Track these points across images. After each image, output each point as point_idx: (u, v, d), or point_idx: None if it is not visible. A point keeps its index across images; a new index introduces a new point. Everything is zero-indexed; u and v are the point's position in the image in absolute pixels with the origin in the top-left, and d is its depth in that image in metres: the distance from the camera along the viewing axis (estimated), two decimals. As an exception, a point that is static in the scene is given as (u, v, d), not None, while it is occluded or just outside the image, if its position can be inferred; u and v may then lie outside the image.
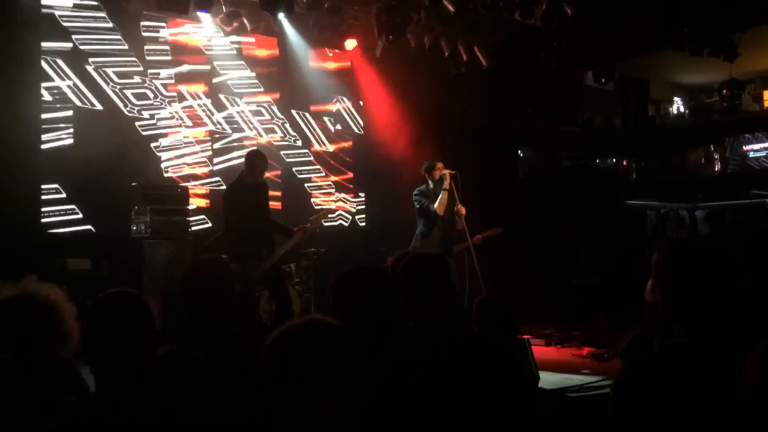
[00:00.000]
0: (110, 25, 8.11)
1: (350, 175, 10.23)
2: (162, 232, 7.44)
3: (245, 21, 8.43)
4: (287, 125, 9.64)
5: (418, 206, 6.70)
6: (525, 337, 6.50)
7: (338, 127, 10.21)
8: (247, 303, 6.22)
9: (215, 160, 8.92)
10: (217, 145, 8.94)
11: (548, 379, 4.97)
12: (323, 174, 9.96)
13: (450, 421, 2.15)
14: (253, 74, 9.34)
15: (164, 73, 8.53)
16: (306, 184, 9.74)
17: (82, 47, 7.91)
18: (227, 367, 2.18)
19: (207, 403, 2.12)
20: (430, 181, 6.71)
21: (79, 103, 7.89)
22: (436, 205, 6.48)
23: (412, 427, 2.03)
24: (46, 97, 7.66)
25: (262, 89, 9.40)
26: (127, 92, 8.26)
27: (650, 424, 1.58)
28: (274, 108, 9.54)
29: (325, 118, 10.10)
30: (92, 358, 1.86)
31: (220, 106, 9.01)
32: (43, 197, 7.53)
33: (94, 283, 6.98)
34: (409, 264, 2.48)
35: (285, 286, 6.61)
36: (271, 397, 1.38)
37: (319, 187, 9.87)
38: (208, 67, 8.93)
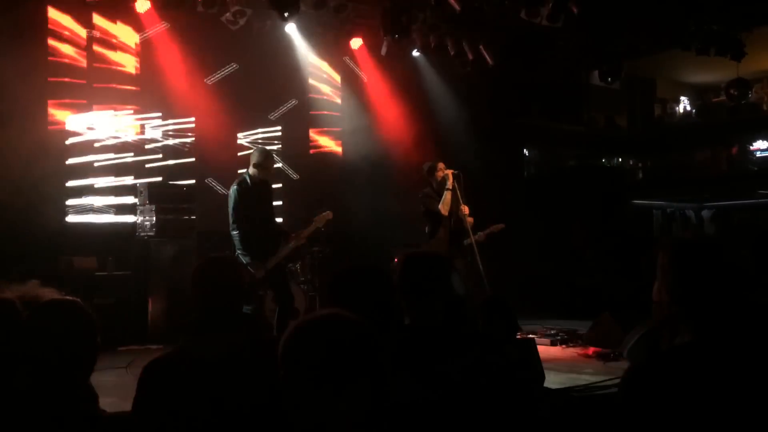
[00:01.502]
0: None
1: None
2: (167, 231, 7.46)
3: (252, 19, 8.43)
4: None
5: (423, 208, 6.72)
6: (530, 336, 6.51)
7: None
8: (252, 302, 6.22)
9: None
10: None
11: (554, 379, 4.97)
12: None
13: (454, 421, 2.14)
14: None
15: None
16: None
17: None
18: (235, 366, 2.18)
19: (214, 402, 2.12)
20: (433, 182, 6.72)
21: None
22: (440, 205, 6.49)
23: (415, 428, 2.03)
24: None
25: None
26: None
27: (659, 423, 1.57)
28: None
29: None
30: (29, 368, 1.82)
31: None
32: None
33: (99, 281, 7.01)
34: (404, 264, 2.48)
35: (287, 284, 6.61)
36: (287, 391, 1.38)
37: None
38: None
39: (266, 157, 6.32)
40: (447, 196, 6.50)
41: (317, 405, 1.35)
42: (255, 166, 6.27)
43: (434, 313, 2.40)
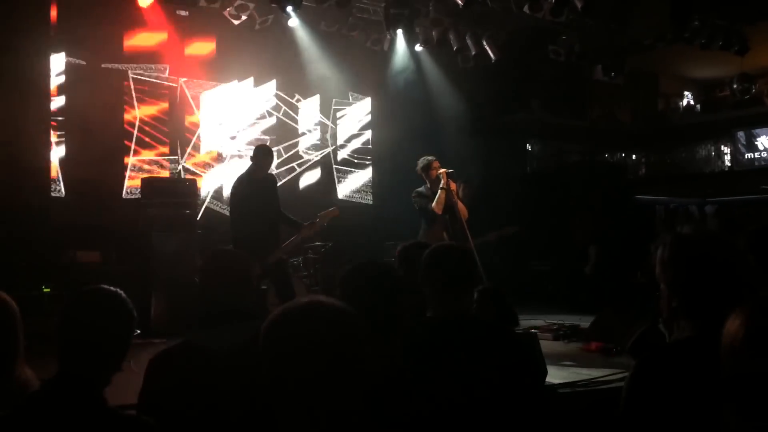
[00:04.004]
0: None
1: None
2: (170, 225, 7.46)
3: (254, 14, 8.43)
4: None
5: (417, 207, 6.70)
6: (533, 331, 6.51)
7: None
8: (255, 297, 6.23)
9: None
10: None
11: (556, 374, 4.97)
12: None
13: (463, 415, 2.15)
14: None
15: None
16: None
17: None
18: (242, 358, 2.18)
19: (221, 394, 2.12)
20: (427, 180, 6.69)
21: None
22: (434, 204, 6.47)
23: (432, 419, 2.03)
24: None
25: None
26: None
27: (663, 417, 1.58)
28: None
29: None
30: (60, 353, 1.81)
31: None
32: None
33: (103, 275, 7.02)
34: (432, 256, 2.45)
35: (288, 279, 6.61)
36: (270, 380, 1.37)
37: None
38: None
39: (264, 155, 6.34)
40: (441, 195, 6.47)
41: (300, 394, 1.33)
42: (254, 163, 6.30)
43: (464, 305, 2.39)
